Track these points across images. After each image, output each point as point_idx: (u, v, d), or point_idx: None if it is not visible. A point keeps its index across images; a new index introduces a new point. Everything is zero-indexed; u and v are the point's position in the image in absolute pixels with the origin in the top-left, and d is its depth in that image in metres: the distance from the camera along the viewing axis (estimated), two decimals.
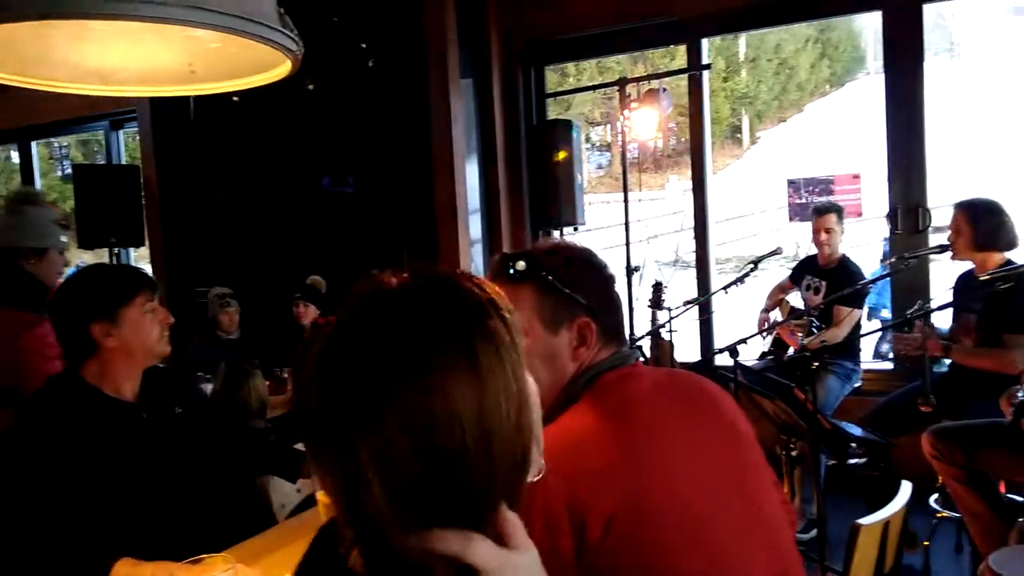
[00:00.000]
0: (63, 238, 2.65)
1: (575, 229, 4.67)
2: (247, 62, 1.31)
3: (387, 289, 0.69)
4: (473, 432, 0.61)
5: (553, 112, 5.14)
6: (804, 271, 4.09)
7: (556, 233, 4.79)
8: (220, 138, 5.58)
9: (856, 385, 3.85)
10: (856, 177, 6.08)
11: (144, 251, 6.04)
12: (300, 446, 2.42)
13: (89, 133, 7.35)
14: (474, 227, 4.79)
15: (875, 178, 4.95)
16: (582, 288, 1.21)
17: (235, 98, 5.49)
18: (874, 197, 5.25)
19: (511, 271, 1.20)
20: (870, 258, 4.57)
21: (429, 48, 4.57)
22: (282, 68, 1.33)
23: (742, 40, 23.14)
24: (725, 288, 3.64)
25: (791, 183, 6.88)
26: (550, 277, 1.19)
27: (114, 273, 1.91)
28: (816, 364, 2.64)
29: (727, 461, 1.16)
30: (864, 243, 8.74)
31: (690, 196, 4.66)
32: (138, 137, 6.13)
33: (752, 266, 3.64)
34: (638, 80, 4.29)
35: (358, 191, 5.21)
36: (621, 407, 1.13)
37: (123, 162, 6.72)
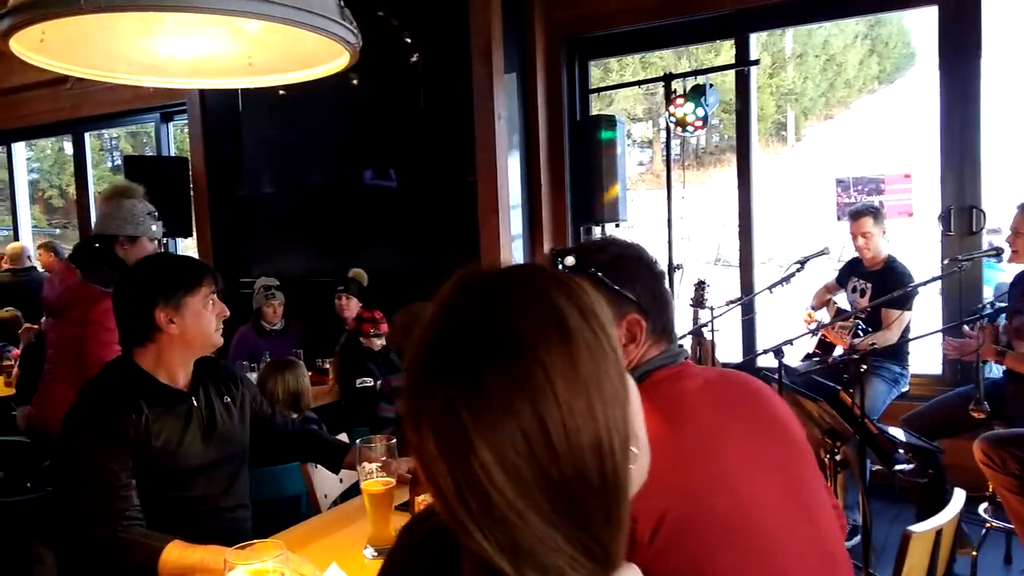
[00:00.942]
0: (155, 228, 2.84)
1: (617, 226, 4.64)
2: (306, 54, 1.32)
3: (485, 283, 0.66)
4: (579, 432, 0.58)
5: (595, 108, 5.11)
6: (850, 273, 4.01)
7: (598, 229, 4.76)
8: (266, 131, 5.65)
9: (904, 390, 3.77)
10: (907, 176, 5.93)
11: (191, 241, 6.16)
12: (343, 437, 2.45)
13: (138, 125, 7.50)
14: (515, 222, 4.79)
15: (927, 178, 4.83)
16: (632, 284, 1.19)
17: (281, 91, 5.56)
18: (926, 197, 5.12)
19: (560, 267, 1.20)
20: (923, 259, 4.45)
21: (474, 43, 4.57)
22: (340, 61, 1.34)
23: (789, 35, 22.75)
24: (771, 288, 3.58)
25: (839, 182, 6.73)
26: (599, 273, 1.18)
27: (182, 262, 1.95)
28: (864, 367, 2.58)
29: (779, 464, 1.14)
30: (916, 244, 8.54)
31: (734, 194, 4.60)
32: (186, 129, 6.24)
33: (799, 266, 3.57)
34: (684, 76, 4.24)
35: (400, 185, 5.24)
36: (671, 406, 1.12)
37: (171, 153, 6.85)
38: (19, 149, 8.15)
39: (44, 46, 1.12)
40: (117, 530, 1.63)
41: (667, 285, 1.29)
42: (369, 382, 3.65)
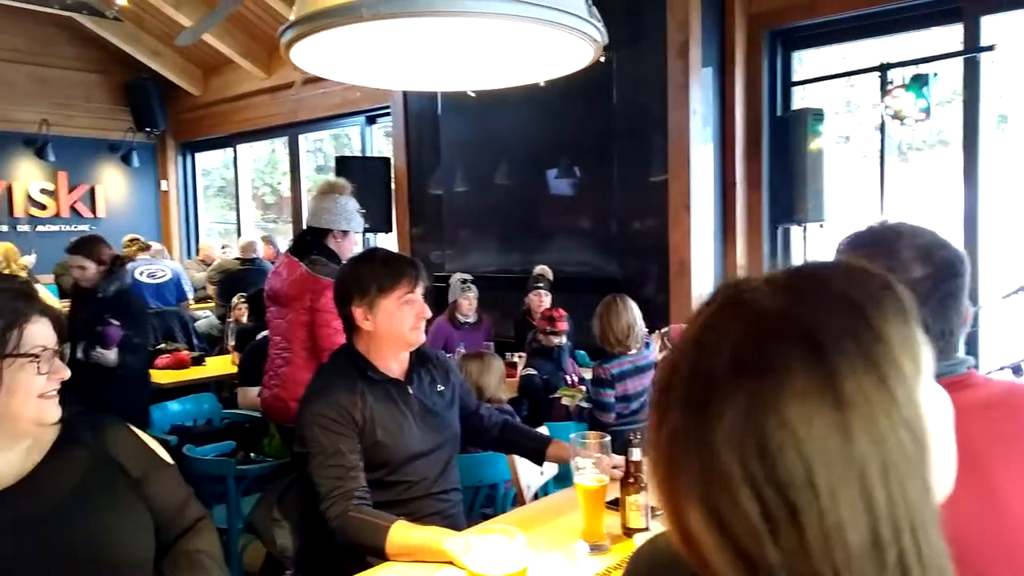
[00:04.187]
0: (362, 223, 3.10)
1: (821, 226, 4.38)
2: (552, 53, 1.35)
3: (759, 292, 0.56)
4: (824, 474, 0.48)
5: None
6: None
7: (797, 229, 4.52)
8: (461, 131, 5.88)
9: None
10: None
11: (391, 236, 6.53)
12: (543, 429, 2.49)
13: (341, 128, 8.07)
14: (707, 221, 4.65)
15: None
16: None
17: (472, 93, 5.76)
18: None
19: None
20: None
21: (670, 39, 4.49)
22: (585, 57, 1.35)
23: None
24: (1005, 297, 3.22)
25: None
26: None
27: (384, 262, 1.98)
28: None
29: None
30: None
31: (952, 192, 4.19)
32: (384, 131, 6.64)
33: None
34: (904, 65, 3.92)
35: (585, 183, 5.26)
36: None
37: (372, 154, 7.31)
38: (243, 151, 9.03)
39: (319, 55, 1.23)
40: (348, 509, 1.74)
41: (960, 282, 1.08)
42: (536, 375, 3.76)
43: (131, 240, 6.65)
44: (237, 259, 6.87)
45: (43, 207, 8.70)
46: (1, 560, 1.19)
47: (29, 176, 8.62)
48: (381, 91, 6.08)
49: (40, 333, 1.24)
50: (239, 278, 6.28)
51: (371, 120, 7.28)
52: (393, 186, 6.40)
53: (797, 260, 4.59)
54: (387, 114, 6.64)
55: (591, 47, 1.28)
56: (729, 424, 0.50)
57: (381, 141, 7.46)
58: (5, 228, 8.24)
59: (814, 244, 4.48)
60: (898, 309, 0.54)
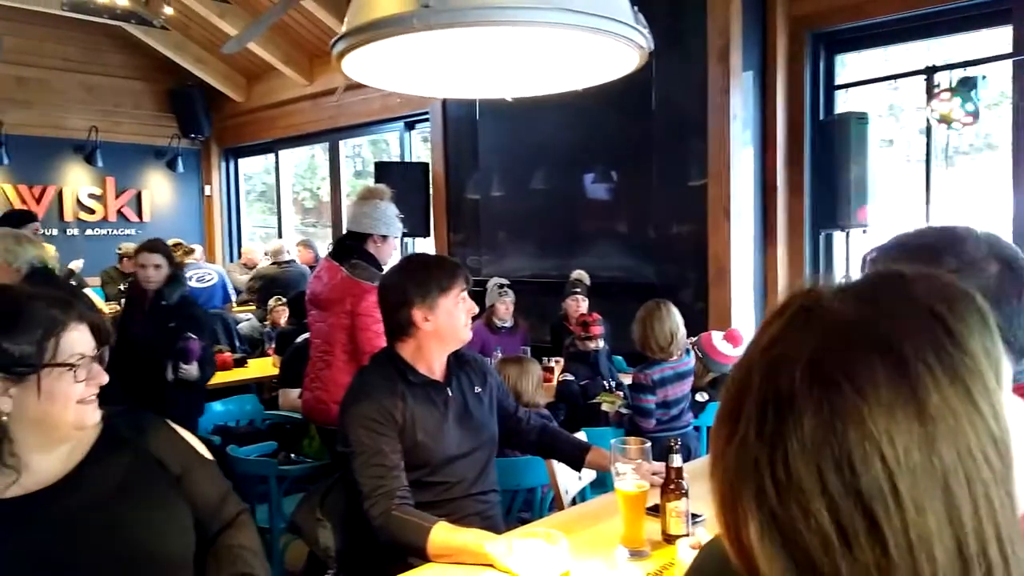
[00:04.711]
0: (401, 228, 3.14)
1: (864, 231, 4.31)
2: (597, 59, 1.36)
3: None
4: (908, 486, 0.47)
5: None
6: None
7: (840, 235, 4.46)
8: (498, 137, 5.91)
9: None
10: None
11: (428, 241, 6.58)
12: (581, 435, 2.49)
13: (380, 133, 8.17)
14: (747, 226, 4.61)
15: None
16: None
17: (509, 99, 5.79)
18: None
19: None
20: None
21: (711, 43, 4.46)
22: (630, 63, 1.36)
23: None
24: None
25: None
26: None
27: (437, 264, 2.06)
28: None
29: None
30: None
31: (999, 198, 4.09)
32: (420, 136, 6.70)
33: None
34: (951, 68, 3.85)
35: (622, 188, 5.25)
36: None
37: (410, 159, 7.38)
38: (284, 156, 9.18)
39: (368, 65, 1.26)
40: (391, 508, 1.76)
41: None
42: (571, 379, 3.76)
43: (176, 244, 6.74)
44: (273, 263, 7.00)
45: (91, 211, 8.94)
46: (45, 558, 1.22)
47: (78, 181, 8.87)
48: (420, 97, 6.14)
49: (78, 340, 1.26)
50: (275, 280, 6.41)
51: (410, 126, 7.35)
52: (431, 191, 6.45)
53: (840, 266, 4.52)
54: (426, 120, 6.71)
55: (637, 53, 1.28)
56: (807, 434, 0.50)
57: (419, 146, 7.53)
58: (55, 232, 8.48)
59: (857, 250, 4.42)
60: (980, 320, 0.53)
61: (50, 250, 6.17)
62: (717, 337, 3.48)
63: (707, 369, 3.49)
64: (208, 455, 1.48)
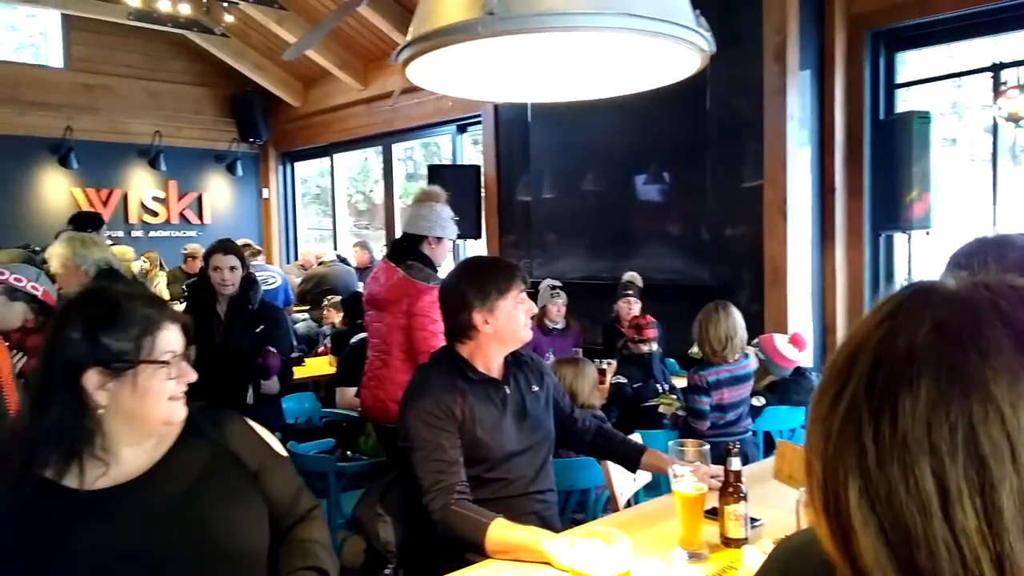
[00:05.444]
0: (456, 230, 3.17)
1: (927, 233, 4.20)
2: (659, 62, 1.37)
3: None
4: (1020, 447, 0.48)
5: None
6: None
7: (901, 237, 4.35)
8: (550, 139, 5.92)
9: None
10: None
11: (480, 243, 6.63)
12: (636, 437, 2.49)
13: (431, 136, 8.26)
14: (805, 227, 4.54)
15: None
16: None
17: (566, 100, 5.81)
18: None
19: None
20: None
21: (767, 41, 4.40)
22: (691, 66, 1.37)
23: None
24: None
25: None
26: None
27: (495, 267, 2.08)
28: None
29: None
30: None
31: None
32: (470, 139, 6.75)
33: None
34: (1019, 64, 3.73)
35: (674, 190, 5.21)
36: None
37: (462, 161, 7.45)
38: (339, 160, 9.35)
39: (432, 71, 1.29)
40: (450, 502, 1.79)
41: None
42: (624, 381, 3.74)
43: (245, 245, 6.78)
44: (320, 263, 7.20)
45: (155, 214, 9.24)
46: (127, 548, 1.27)
47: (143, 184, 9.18)
48: (473, 100, 6.20)
49: (171, 339, 1.32)
50: (324, 278, 6.58)
51: (462, 129, 7.42)
52: (483, 193, 6.50)
53: (901, 268, 4.42)
54: (478, 122, 6.76)
55: (699, 56, 1.28)
56: (923, 393, 0.50)
57: (469, 149, 7.60)
58: (121, 233, 8.78)
59: (920, 252, 4.30)
60: None
61: (128, 252, 6.41)
62: (781, 340, 3.44)
63: (766, 372, 3.44)
64: (283, 452, 1.52)
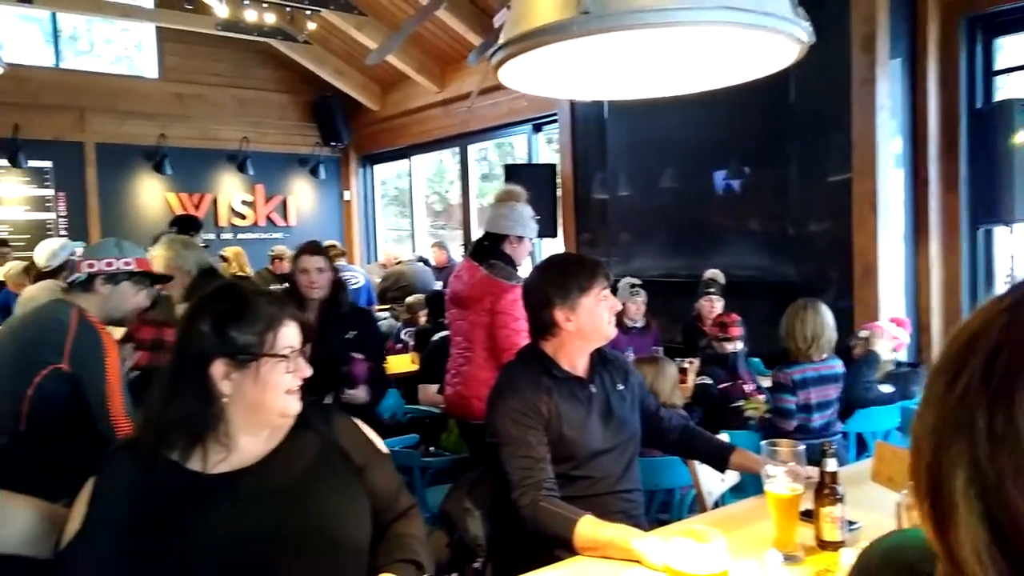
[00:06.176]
0: (536, 229, 3.19)
1: None
2: (755, 55, 1.35)
3: None
4: None
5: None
6: None
7: (1004, 230, 4.14)
8: (627, 135, 5.88)
9: None
10: None
11: (557, 241, 6.63)
12: (724, 436, 2.45)
13: (506, 136, 8.29)
14: (897, 222, 4.37)
15: None
16: None
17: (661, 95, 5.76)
18: None
19: None
20: None
21: (855, 30, 4.26)
22: (788, 57, 1.34)
23: None
24: None
25: None
26: None
27: (577, 264, 2.08)
28: None
29: None
30: None
31: None
32: (545, 137, 6.75)
33: None
34: None
35: (756, 185, 5.09)
36: None
37: (538, 160, 7.46)
38: (416, 161, 9.51)
39: (523, 72, 1.31)
40: (538, 498, 1.80)
41: None
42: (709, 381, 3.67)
43: (331, 246, 6.58)
44: (398, 262, 7.39)
45: (243, 217, 9.60)
46: (236, 531, 1.34)
47: (232, 189, 9.55)
48: (548, 99, 6.21)
49: (290, 335, 1.41)
50: (403, 274, 6.74)
51: (537, 128, 7.44)
52: (559, 191, 6.50)
53: (1003, 263, 4.21)
54: (553, 121, 6.76)
55: (796, 47, 1.26)
56: None
57: (543, 148, 7.61)
58: (212, 236, 9.16)
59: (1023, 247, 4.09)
60: None
61: (242, 255, 6.69)
62: (885, 322, 3.44)
63: (876, 365, 3.42)
64: (385, 449, 1.59)
